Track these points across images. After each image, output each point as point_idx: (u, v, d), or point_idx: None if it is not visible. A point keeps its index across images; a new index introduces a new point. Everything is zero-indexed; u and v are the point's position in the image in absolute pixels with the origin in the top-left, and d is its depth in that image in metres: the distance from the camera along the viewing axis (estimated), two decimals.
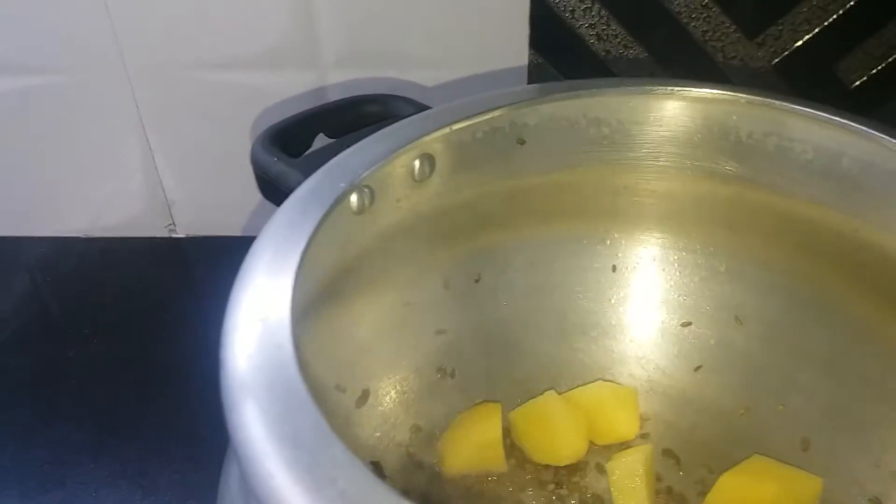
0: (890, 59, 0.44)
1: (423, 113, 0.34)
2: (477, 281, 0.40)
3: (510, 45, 0.47)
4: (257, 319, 0.23)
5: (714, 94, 0.35)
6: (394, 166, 0.32)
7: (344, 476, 0.18)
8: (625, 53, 0.46)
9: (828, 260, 0.36)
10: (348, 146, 0.32)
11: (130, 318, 0.54)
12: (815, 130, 0.33)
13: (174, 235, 0.61)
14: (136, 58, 0.51)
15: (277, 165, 0.32)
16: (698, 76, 0.44)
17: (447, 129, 0.32)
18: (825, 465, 0.35)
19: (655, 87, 0.35)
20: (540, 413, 0.38)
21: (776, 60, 0.45)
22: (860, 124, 0.32)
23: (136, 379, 0.49)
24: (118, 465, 0.43)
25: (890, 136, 0.31)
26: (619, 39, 0.46)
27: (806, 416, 0.37)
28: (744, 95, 0.34)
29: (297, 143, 0.35)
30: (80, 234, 0.62)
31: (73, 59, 0.51)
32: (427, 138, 0.31)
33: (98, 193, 0.59)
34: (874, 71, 0.45)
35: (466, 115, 0.32)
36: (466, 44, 0.48)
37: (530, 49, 0.47)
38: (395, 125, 0.32)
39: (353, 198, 0.31)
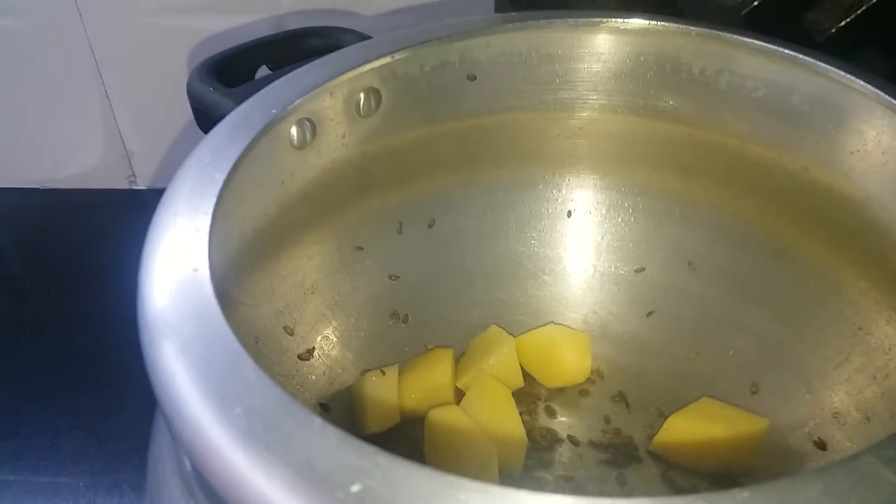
0: (858, 12, 0.43)
1: (364, 42, 0.32)
2: (431, 226, 0.40)
3: None
4: (176, 249, 0.23)
5: (665, 26, 0.34)
6: (335, 97, 0.31)
7: (252, 394, 0.18)
8: (593, 0, 0.45)
9: (778, 202, 0.35)
10: None
11: (89, 271, 0.54)
12: (765, 66, 0.33)
13: (134, 187, 0.61)
14: (91, 1, 0.50)
15: (212, 95, 0.31)
16: None
17: (388, 58, 0.31)
18: (773, 407, 0.35)
19: (607, 20, 0.34)
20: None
21: (745, 11, 0.44)
22: (810, 57, 0.31)
23: (94, 331, 0.49)
24: (74, 416, 0.44)
25: (839, 70, 0.30)
26: None
27: (755, 361, 0.37)
28: (694, 28, 0.33)
29: (237, 75, 0.34)
30: (39, 186, 0.61)
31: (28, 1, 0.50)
32: (367, 67, 0.30)
33: (56, 144, 0.58)
34: (842, 24, 0.44)
35: (409, 44, 0.31)
36: None
37: None
38: (335, 54, 0.31)
39: (293, 130, 0.30)
